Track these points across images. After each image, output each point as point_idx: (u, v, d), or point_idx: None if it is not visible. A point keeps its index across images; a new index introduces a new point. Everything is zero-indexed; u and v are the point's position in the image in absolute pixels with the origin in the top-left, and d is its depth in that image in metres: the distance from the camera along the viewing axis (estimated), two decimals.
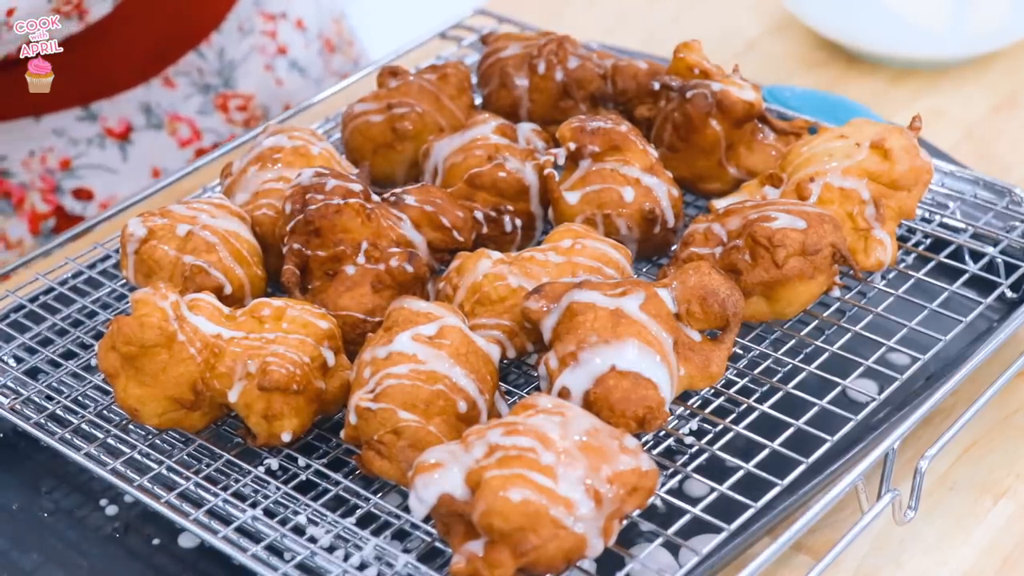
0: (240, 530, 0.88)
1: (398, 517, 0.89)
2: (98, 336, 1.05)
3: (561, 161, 1.06)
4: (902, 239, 1.07)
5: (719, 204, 1.01)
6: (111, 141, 1.33)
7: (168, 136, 1.36)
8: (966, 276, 1.03)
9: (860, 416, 0.91)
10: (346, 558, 0.87)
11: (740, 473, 0.88)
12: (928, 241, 1.08)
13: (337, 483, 0.91)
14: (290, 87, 1.42)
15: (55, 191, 1.32)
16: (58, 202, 1.33)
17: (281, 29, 1.42)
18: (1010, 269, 1.05)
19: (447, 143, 1.08)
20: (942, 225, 1.09)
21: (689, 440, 0.92)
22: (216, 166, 1.21)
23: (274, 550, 0.87)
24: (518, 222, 1.05)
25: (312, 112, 1.29)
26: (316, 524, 0.89)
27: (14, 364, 1.04)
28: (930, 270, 1.04)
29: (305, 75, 1.44)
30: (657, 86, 1.12)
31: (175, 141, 1.36)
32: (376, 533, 0.88)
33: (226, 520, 0.89)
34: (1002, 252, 1.05)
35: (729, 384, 0.95)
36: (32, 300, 1.08)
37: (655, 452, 0.91)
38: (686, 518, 0.86)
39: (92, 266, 1.12)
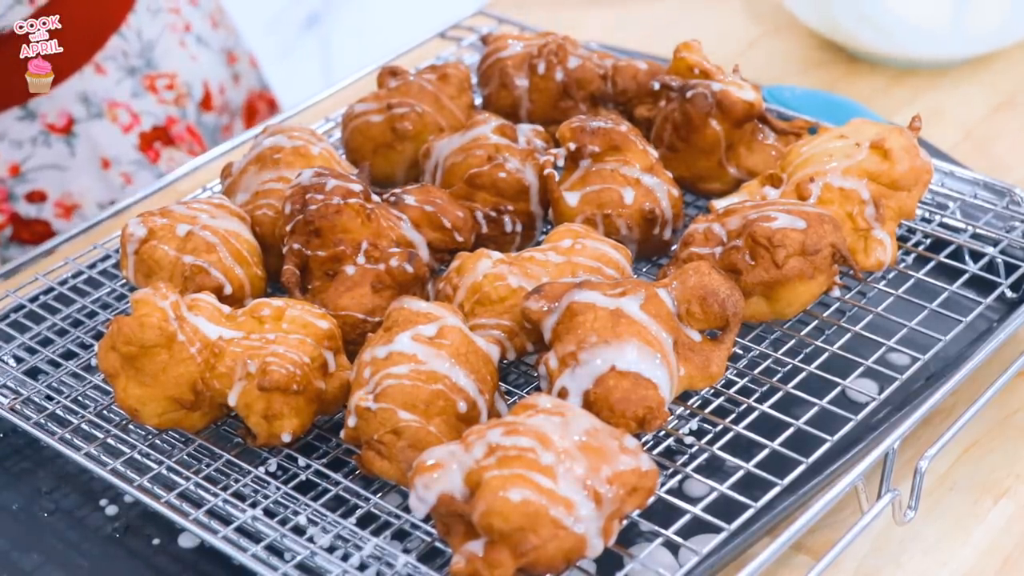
0: (240, 530, 0.88)
1: (398, 517, 0.89)
2: (98, 336, 1.05)
3: (561, 161, 1.06)
4: (902, 239, 1.07)
5: (719, 204, 1.01)
6: (55, 137, 1.31)
7: (110, 123, 1.35)
8: (966, 276, 1.03)
9: (860, 416, 0.91)
10: (346, 558, 0.86)
11: (740, 473, 0.88)
12: (928, 241, 1.08)
13: (337, 483, 0.91)
14: (204, 63, 1.43)
15: (8, 199, 1.31)
16: (12, 209, 1.32)
17: (182, 6, 1.43)
18: (1010, 269, 1.05)
19: (447, 143, 1.08)
20: (942, 225, 1.09)
21: (689, 440, 0.92)
22: (216, 166, 1.21)
23: (274, 550, 0.87)
24: (518, 222, 1.05)
25: (312, 112, 1.29)
26: (316, 524, 0.89)
27: (14, 364, 1.04)
28: (930, 270, 1.04)
29: (210, 49, 1.45)
30: (657, 86, 1.12)
31: (118, 128, 1.35)
32: (376, 533, 0.88)
33: (226, 520, 0.89)
34: (1002, 252, 1.05)
35: (729, 384, 0.95)
36: (32, 300, 1.08)
37: (655, 452, 0.91)
38: (686, 518, 0.86)
39: (92, 266, 1.12)
